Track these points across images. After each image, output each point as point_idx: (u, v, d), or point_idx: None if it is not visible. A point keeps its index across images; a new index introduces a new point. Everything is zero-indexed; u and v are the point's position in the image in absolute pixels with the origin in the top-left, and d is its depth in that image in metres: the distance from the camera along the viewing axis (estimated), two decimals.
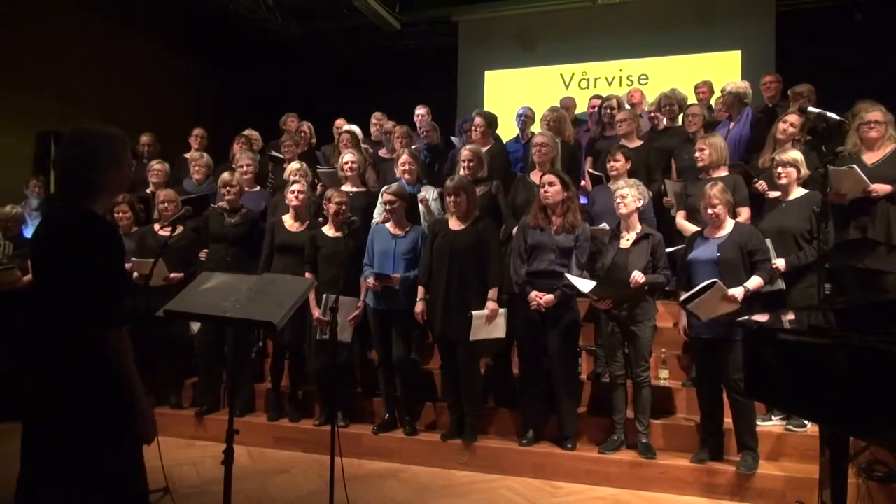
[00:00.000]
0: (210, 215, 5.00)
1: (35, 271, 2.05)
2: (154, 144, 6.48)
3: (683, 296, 3.74)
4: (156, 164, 5.88)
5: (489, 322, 4.13)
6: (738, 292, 3.64)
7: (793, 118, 4.54)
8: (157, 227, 5.06)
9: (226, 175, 5.05)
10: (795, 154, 4.14)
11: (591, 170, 5.44)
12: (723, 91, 5.40)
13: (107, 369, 1.91)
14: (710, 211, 3.87)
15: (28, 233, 5.57)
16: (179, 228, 4.97)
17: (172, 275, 4.78)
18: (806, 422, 3.94)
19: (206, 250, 4.97)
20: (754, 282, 3.71)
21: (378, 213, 4.96)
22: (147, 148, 6.43)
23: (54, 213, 2.04)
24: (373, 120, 6.59)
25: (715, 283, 3.60)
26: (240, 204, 5.03)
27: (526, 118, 5.99)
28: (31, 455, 1.95)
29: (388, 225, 4.55)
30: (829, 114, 4.06)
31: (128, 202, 5.26)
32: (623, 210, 4.07)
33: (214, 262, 4.68)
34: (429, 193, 4.98)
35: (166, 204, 5.03)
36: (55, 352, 1.93)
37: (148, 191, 5.78)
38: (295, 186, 4.75)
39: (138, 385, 1.96)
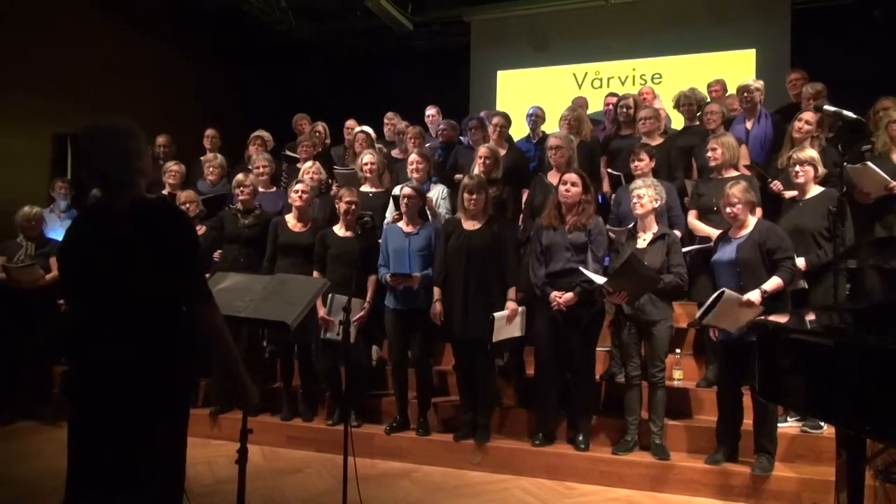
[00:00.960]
0: (225, 216, 5.04)
1: (111, 260, 2.03)
2: (170, 145, 6.53)
3: (698, 313, 3.68)
4: (172, 166, 5.92)
5: (509, 322, 4.13)
6: (753, 296, 3.57)
7: (808, 116, 4.51)
8: None
9: (240, 176, 5.08)
10: (812, 152, 4.11)
11: (608, 170, 5.41)
12: (742, 89, 5.33)
13: (189, 350, 2.09)
14: (728, 210, 3.83)
15: (53, 233, 5.64)
16: (202, 229, 5.01)
17: None
18: (822, 423, 3.90)
19: (220, 251, 5.00)
20: (773, 283, 3.62)
21: (389, 214, 4.98)
22: (163, 149, 6.48)
23: (126, 207, 2.07)
24: (385, 120, 6.61)
25: (723, 292, 3.53)
26: (254, 205, 5.06)
27: (536, 118, 5.98)
28: (116, 440, 2.00)
29: (400, 223, 4.56)
30: (846, 112, 4.03)
31: (193, 192, 5.29)
32: (639, 210, 4.05)
33: (228, 263, 4.71)
34: (437, 193, 4.99)
35: (187, 204, 5.08)
36: (152, 335, 2.03)
37: (164, 192, 5.82)
38: (298, 186, 4.77)
39: (236, 350, 2.21)
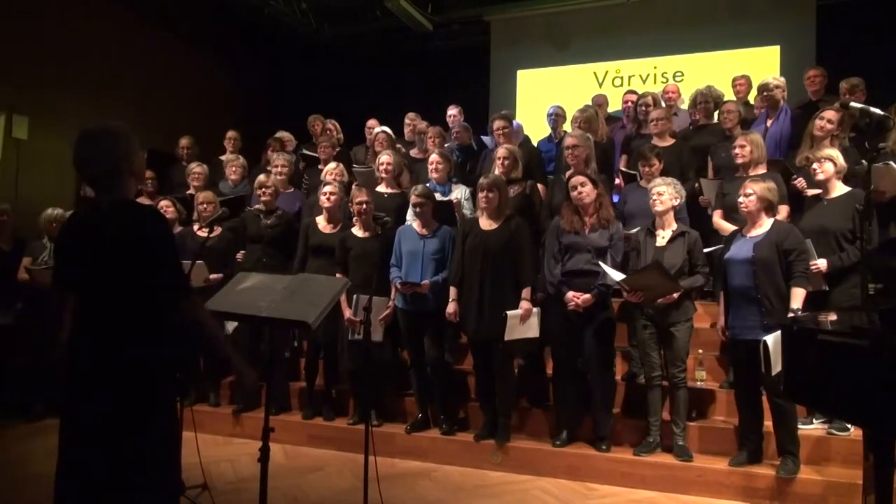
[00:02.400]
0: (247, 217, 5.08)
1: (91, 262, 2.11)
2: (192, 147, 6.60)
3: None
4: (195, 167, 5.99)
5: (523, 321, 4.11)
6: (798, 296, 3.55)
7: (830, 114, 4.43)
8: (195, 227, 5.16)
9: (262, 177, 5.12)
10: (830, 150, 4.04)
11: (624, 168, 5.38)
12: (762, 87, 5.27)
13: (172, 347, 2.16)
14: (741, 201, 3.79)
15: None
16: (218, 230, 5.05)
17: (212, 276, 4.86)
18: (849, 425, 3.84)
19: (242, 251, 5.04)
20: (798, 298, 3.58)
21: (410, 216, 4.98)
22: (186, 150, 6.56)
23: (110, 208, 2.16)
24: (406, 120, 6.62)
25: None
26: (275, 205, 5.10)
27: (556, 117, 5.96)
28: (109, 434, 2.05)
29: (414, 225, 4.56)
30: (873, 109, 3.95)
31: (169, 199, 5.36)
32: (659, 207, 4.02)
33: (251, 263, 4.75)
34: (460, 193, 4.99)
35: (205, 205, 5.13)
36: (130, 336, 2.08)
37: (188, 192, 5.89)
38: (327, 188, 4.80)
39: (225, 338, 2.30)
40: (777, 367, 3.39)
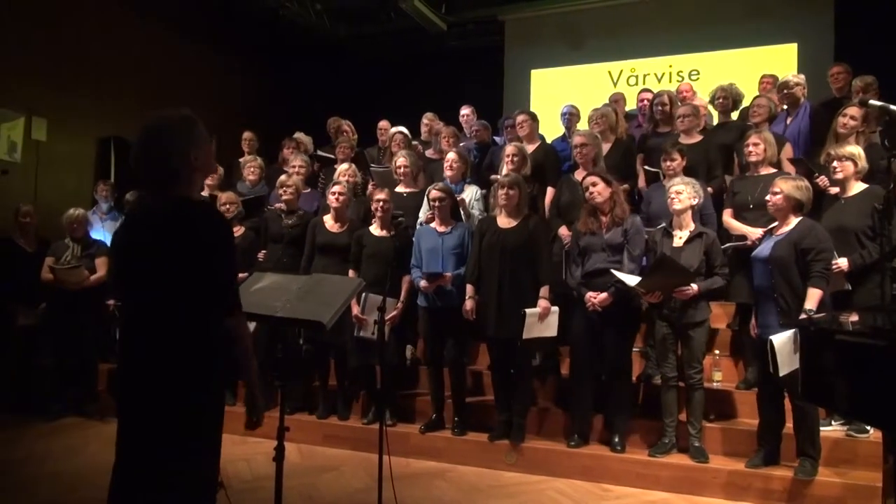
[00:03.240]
0: (269, 216, 5.12)
1: (144, 262, 2.02)
2: (211, 142, 6.63)
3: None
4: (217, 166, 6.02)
5: (541, 320, 4.10)
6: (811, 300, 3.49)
7: (853, 111, 4.38)
8: None
9: (283, 177, 5.17)
10: (852, 148, 3.99)
11: (645, 167, 5.34)
12: (782, 85, 5.21)
13: (222, 352, 2.06)
14: (768, 198, 3.75)
15: (96, 234, 5.79)
16: (241, 229, 5.10)
17: (240, 275, 4.88)
18: (868, 427, 3.79)
19: (264, 251, 5.07)
20: (813, 298, 3.49)
21: (422, 213, 4.99)
22: None
23: (165, 206, 2.02)
24: (424, 121, 6.62)
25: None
26: (297, 205, 5.12)
27: (570, 116, 5.93)
28: (153, 440, 2.01)
29: (432, 224, 4.57)
30: (892, 107, 3.90)
31: (234, 193, 5.40)
32: (677, 206, 3.99)
33: (272, 263, 4.79)
34: (471, 193, 4.98)
35: (227, 206, 5.17)
36: (184, 338, 1.99)
37: (203, 194, 5.92)
38: (336, 188, 4.83)
39: (255, 365, 2.19)
40: (784, 368, 3.36)
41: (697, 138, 5.16)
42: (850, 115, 4.37)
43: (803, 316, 3.43)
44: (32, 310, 5.45)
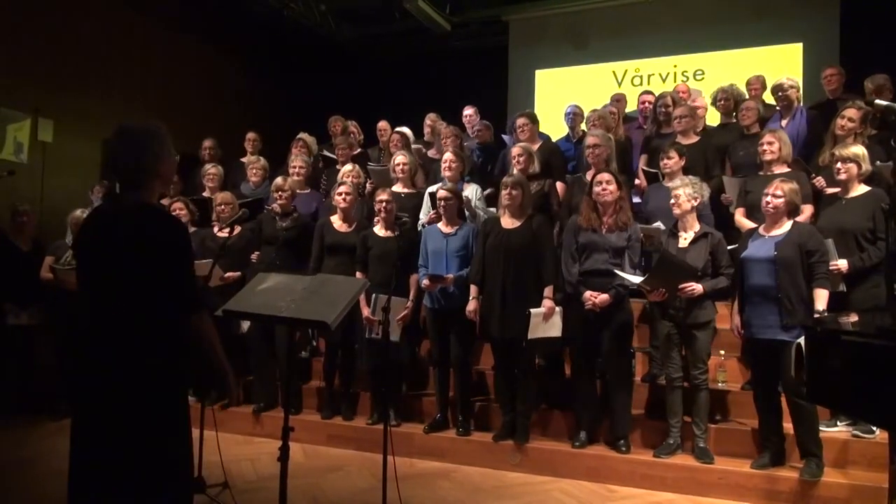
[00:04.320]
0: (263, 218, 5.13)
1: (101, 262, 2.11)
2: (215, 148, 6.68)
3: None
4: (210, 168, 6.05)
5: (546, 320, 4.10)
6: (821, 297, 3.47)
7: (851, 112, 4.37)
8: (215, 229, 5.21)
9: (279, 180, 5.16)
10: (857, 149, 3.98)
11: (645, 167, 5.34)
12: (777, 88, 5.21)
13: (186, 353, 2.11)
14: (769, 201, 3.74)
15: None
16: (237, 229, 5.11)
17: (228, 274, 4.91)
18: (874, 428, 3.78)
19: (257, 252, 5.08)
20: (822, 299, 3.54)
21: (424, 214, 4.99)
22: (209, 152, 6.63)
23: (125, 209, 2.14)
24: (427, 121, 6.63)
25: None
26: (291, 207, 5.13)
27: (574, 116, 5.93)
28: (112, 440, 2.04)
29: (438, 224, 4.57)
30: None
31: (182, 200, 5.42)
32: (677, 210, 4.00)
33: (265, 265, 4.79)
34: (471, 193, 4.98)
35: (223, 206, 5.18)
36: (142, 339, 2.05)
37: (204, 194, 5.95)
38: (342, 188, 4.84)
39: (225, 358, 2.23)
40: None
41: (694, 139, 5.16)
42: (849, 117, 4.37)
43: (816, 316, 3.43)
44: (23, 309, 5.45)
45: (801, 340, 3.30)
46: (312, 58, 9.98)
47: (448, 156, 4.99)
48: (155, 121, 2.25)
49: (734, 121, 5.57)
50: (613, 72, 8.89)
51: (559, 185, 5.04)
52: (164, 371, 2.08)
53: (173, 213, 5.07)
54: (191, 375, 2.20)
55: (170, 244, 2.10)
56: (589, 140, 4.76)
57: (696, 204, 4.00)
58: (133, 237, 2.07)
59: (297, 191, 5.50)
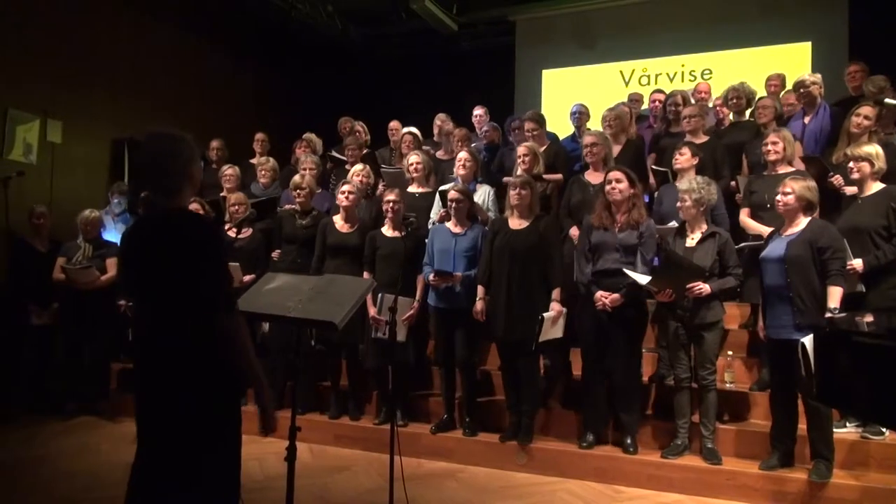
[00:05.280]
0: (283, 217, 5.14)
1: (141, 267, 2.16)
2: (223, 149, 6.71)
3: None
4: (227, 169, 6.07)
5: (554, 323, 4.09)
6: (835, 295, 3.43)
7: (866, 110, 4.32)
8: (227, 228, 5.22)
9: (297, 178, 5.18)
10: (870, 148, 3.94)
11: (654, 166, 5.32)
12: (798, 84, 5.17)
13: (223, 353, 2.11)
14: (780, 199, 3.71)
15: (108, 235, 5.84)
16: (248, 231, 5.11)
17: (246, 277, 4.91)
18: (884, 429, 3.75)
19: (278, 251, 5.09)
20: (835, 297, 3.47)
21: (434, 213, 4.99)
22: (217, 152, 6.66)
23: (160, 215, 2.19)
24: (436, 122, 6.62)
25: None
26: (311, 206, 5.14)
27: (580, 115, 5.92)
28: (159, 436, 2.10)
29: (448, 224, 4.57)
30: None
31: (198, 201, 5.44)
32: (681, 215, 4.00)
33: (286, 263, 4.81)
34: (483, 194, 4.98)
35: (236, 207, 5.19)
36: (181, 339, 2.09)
37: (221, 195, 5.96)
38: (345, 187, 4.85)
39: (257, 361, 2.22)
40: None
41: (704, 138, 5.13)
42: (864, 115, 4.32)
43: (828, 315, 3.39)
44: (45, 310, 5.51)
45: (806, 340, 3.30)
46: (319, 58, 10.00)
47: (463, 155, 4.99)
48: (178, 129, 2.27)
49: (745, 119, 5.53)
50: (621, 71, 8.86)
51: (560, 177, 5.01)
52: (209, 373, 2.11)
53: (229, 209, 5.19)
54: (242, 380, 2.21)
55: (197, 245, 2.12)
56: (586, 139, 4.75)
57: (702, 209, 3.98)
58: (172, 242, 2.11)
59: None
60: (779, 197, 3.73)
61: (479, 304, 4.29)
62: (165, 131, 2.23)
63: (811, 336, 3.30)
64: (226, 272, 2.18)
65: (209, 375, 2.11)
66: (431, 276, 4.37)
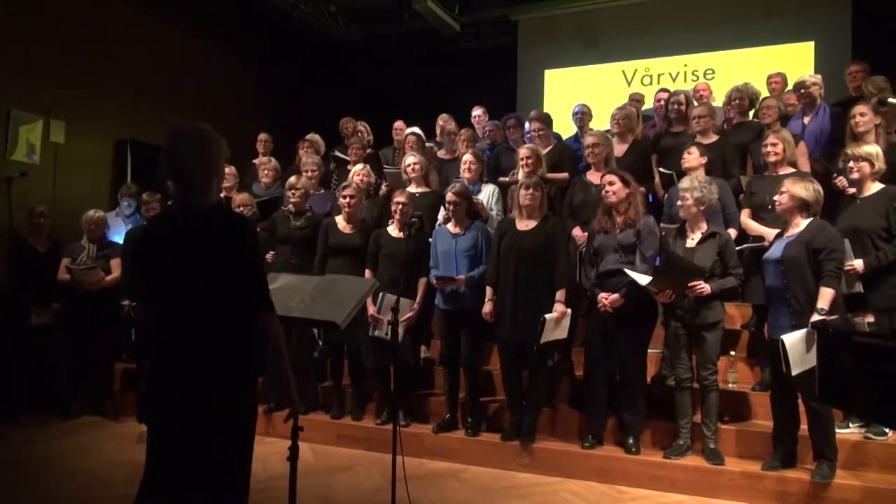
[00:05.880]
0: (277, 218, 5.15)
1: (184, 267, 2.09)
2: (227, 150, 6.68)
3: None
4: (227, 169, 6.07)
5: (557, 324, 4.09)
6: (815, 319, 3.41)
7: (860, 108, 4.32)
8: None
9: (292, 179, 5.18)
10: (869, 148, 3.93)
11: (660, 168, 5.30)
12: (799, 85, 5.17)
13: (255, 350, 2.12)
14: (777, 199, 3.71)
15: (114, 237, 5.86)
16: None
17: None
18: (887, 430, 3.75)
19: (272, 252, 5.10)
20: (825, 298, 3.44)
21: (442, 215, 4.99)
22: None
23: (196, 212, 2.12)
24: (439, 122, 6.62)
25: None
26: (305, 207, 5.14)
27: (583, 115, 5.91)
28: (195, 425, 2.07)
29: (448, 225, 4.58)
30: None
31: (249, 195, 5.45)
32: (682, 213, 4.00)
33: (280, 264, 4.81)
34: (488, 194, 4.98)
35: (242, 208, 5.20)
36: (223, 336, 2.07)
37: (222, 195, 5.95)
38: (347, 190, 4.88)
39: (289, 365, 2.22)
40: (797, 367, 3.35)
41: (714, 138, 5.11)
42: (860, 113, 4.32)
43: (816, 317, 3.38)
44: (45, 309, 5.51)
45: (786, 337, 3.30)
46: (322, 58, 10.01)
47: (468, 157, 5.00)
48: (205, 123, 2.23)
49: (749, 119, 5.53)
50: (623, 71, 8.86)
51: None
52: (247, 372, 2.11)
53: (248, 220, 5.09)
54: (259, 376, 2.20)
55: (244, 243, 2.11)
56: (587, 139, 4.75)
57: (703, 207, 3.98)
58: (211, 238, 2.07)
59: (312, 191, 5.52)
60: (776, 198, 3.73)
61: (487, 306, 4.29)
62: (189, 125, 2.18)
63: (791, 334, 3.32)
64: (264, 269, 2.16)
65: (247, 374, 2.11)
66: (434, 278, 4.37)
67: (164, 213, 2.32)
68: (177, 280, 2.08)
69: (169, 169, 2.13)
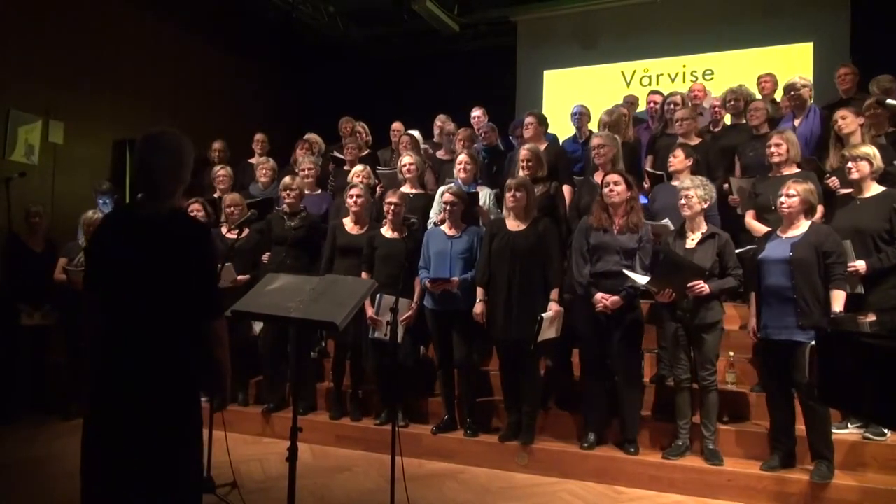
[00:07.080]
0: (272, 218, 5.14)
1: (129, 265, 2.13)
2: (225, 150, 6.71)
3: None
4: (220, 170, 6.08)
5: (551, 323, 4.09)
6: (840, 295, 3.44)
7: (841, 112, 4.38)
8: (224, 230, 5.22)
9: (287, 179, 5.17)
10: (867, 148, 3.95)
11: (649, 168, 5.32)
12: (789, 87, 5.18)
13: (204, 355, 2.17)
14: (783, 201, 3.71)
15: None
16: (245, 231, 5.12)
17: (240, 277, 4.93)
18: (886, 430, 3.75)
19: (268, 253, 5.09)
20: (839, 300, 3.52)
21: (434, 213, 4.99)
22: (218, 154, 6.66)
23: (157, 215, 2.17)
24: (437, 122, 6.62)
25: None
26: (300, 207, 5.14)
27: (581, 116, 5.91)
28: (136, 432, 2.09)
29: (443, 227, 4.57)
30: None
31: (200, 201, 5.44)
32: (687, 212, 3.99)
33: (275, 265, 4.80)
34: (483, 195, 4.98)
35: (232, 208, 5.19)
36: (169, 341, 2.12)
37: (216, 195, 5.97)
38: (354, 190, 4.84)
39: (229, 363, 2.29)
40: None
41: (696, 140, 5.14)
42: (841, 116, 4.36)
43: (832, 317, 3.41)
44: (37, 310, 5.49)
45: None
46: (321, 59, 10.00)
47: (463, 157, 4.99)
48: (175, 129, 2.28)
49: (744, 121, 5.54)
50: (622, 72, 8.86)
51: (566, 189, 4.97)
52: (185, 373, 2.14)
53: (225, 210, 5.22)
54: (203, 377, 2.23)
55: (200, 250, 2.16)
56: (595, 141, 4.74)
57: (706, 206, 3.99)
58: (167, 242, 2.12)
59: (307, 192, 5.51)
60: (782, 199, 3.73)
61: (478, 307, 4.28)
62: (159, 131, 2.23)
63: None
64: (217, 276, 2.24)
65: (189, 378, 2.15)
66: (428, 283, 4.37)
67: (121, 211, 2.38)
68: (125, 280, 2.13)
69: (138, 174, 2.26)
